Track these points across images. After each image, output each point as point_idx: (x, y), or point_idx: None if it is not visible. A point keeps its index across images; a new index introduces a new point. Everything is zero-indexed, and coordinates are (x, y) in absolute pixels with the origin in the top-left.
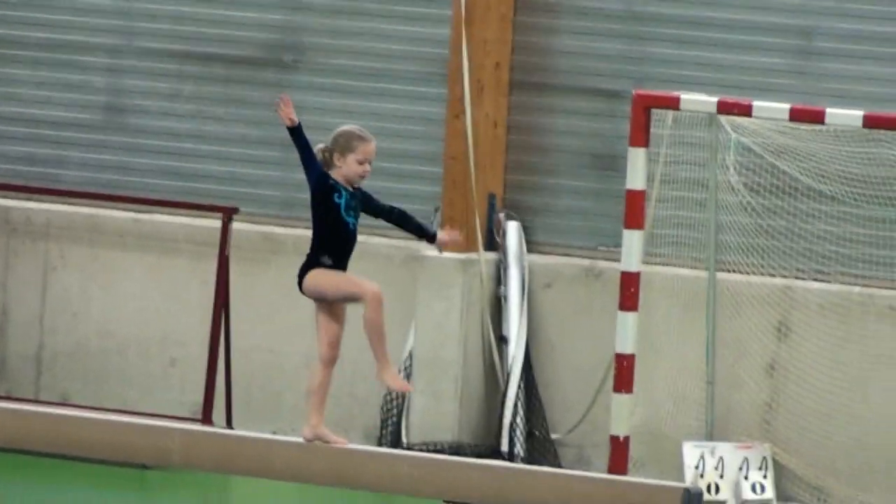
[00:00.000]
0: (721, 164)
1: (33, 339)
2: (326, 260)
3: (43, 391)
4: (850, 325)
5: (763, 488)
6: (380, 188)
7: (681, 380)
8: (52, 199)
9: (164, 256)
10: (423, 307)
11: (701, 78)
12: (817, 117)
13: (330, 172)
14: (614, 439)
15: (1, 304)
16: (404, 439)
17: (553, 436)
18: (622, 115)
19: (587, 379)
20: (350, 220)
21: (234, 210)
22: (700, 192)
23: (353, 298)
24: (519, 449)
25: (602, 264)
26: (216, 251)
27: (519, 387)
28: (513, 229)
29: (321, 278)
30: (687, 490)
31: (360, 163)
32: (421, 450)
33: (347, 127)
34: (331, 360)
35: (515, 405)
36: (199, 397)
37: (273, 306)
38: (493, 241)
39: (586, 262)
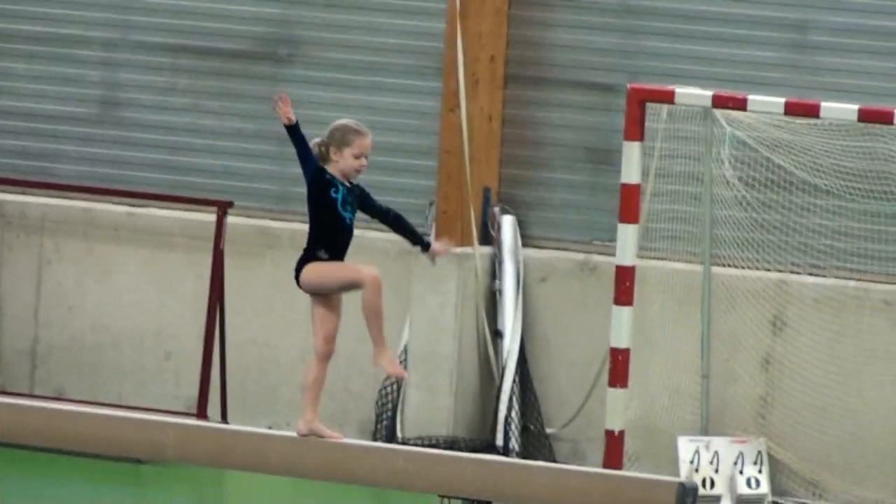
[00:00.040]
0: (716, 158)
1: (28, 332)
2: (323, 254)
3: (38, 385)
4: (845, 320)
5: (758, 483)
6: (375, 182)
7: (676, 374)
8: (47, 193)
9: (158, 250)
10: (418, 301)
11: (696, 72)
12: (812, 111)
13: (326, 167)
14: (609, 433)
15: None
16: (399, 434)
17: (548, 430)
18: (617, 108)
19: (582, 373)
20: (347, 214)
21: (229, 204)
22: (695, 187)
23: (354, 285)
24: (514, 443)
25: (597, 258)
26: (211, 245)
27: (514, 381)
28: (507, 223)
29: (319, 270)
30: (682, 484)
31: (357, 157)
32: (416, 444)
33: (343, 121)
34: (326, 355)
35: (510, 399)
36: (194, 391)
37: (268, 300)
38: (488, 236)
39: (581, 256)
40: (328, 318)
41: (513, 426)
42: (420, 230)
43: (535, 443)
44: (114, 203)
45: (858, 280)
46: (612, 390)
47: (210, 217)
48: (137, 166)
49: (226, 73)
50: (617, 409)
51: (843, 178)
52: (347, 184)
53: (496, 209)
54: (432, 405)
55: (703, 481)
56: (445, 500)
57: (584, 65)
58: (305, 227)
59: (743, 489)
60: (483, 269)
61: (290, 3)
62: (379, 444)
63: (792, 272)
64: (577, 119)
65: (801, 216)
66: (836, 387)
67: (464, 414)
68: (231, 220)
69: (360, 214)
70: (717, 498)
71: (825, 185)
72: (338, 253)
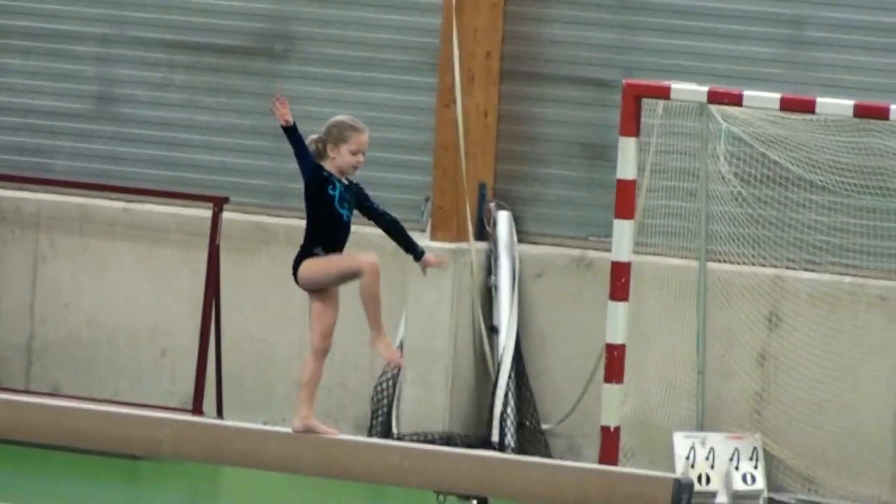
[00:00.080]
0: (711, 154)
1: (23, 329)
2: (320, 251)
3: (33, 381)
4: (840, 315)
5: (754, 479)
6: (370, 178)
7: (671, 370)
8: (43, 189)
9: (154, 246)
10: (414, 297)
11: (691, 67)
12: (808, 107)
13: (323, 163)
14: (605, 429)
15: None
16: (395, 430)
17: (544, 426)
18: (613, 104)
19: (578, 369)
20: (344, 212)
21: (225, 200)
22: (690, 182)
23: (353, 274)
24: (509, 439)
25: (593, 254)
26: (207, 241)
27: (509, 377)
28: (503, 219)
29: (317, 265)
30: (678, 480)
31: (354, 153)
32: (411, 440)
33: (340, 117)
34: (323, 352)
35: (506, 395)
36: (190, 387)
37: (264, 296)
38: (484, 231)
39: (577, 251)
40: (326, 315)
41: (508, 422)
42: (416, 226)
43: (531, 438)
44: (110, 199)
45: (854, 276)
46: (607, 386)
47: (206, 213)
48: (133, 162)
49: (222, 69)
50: (612, 404)
51: (839, 174)
52: (345, 181)
53: (492, 205)
54: (428, 401)
55: (699, 477)
56: (441, 496)
57: (580, 60)
58: (301, 223)
59: (738, 485)
60: (479, 265)
61: None
62: (375, 440)
63: (787, 268)
64: (572, 115)
65: (797, 212)
66: (832, 382)
67: (459, 410)
68: (227, 215)
69: (356, 212)
70: (713, 494)
71: (821, 180)
72: (335, 250)
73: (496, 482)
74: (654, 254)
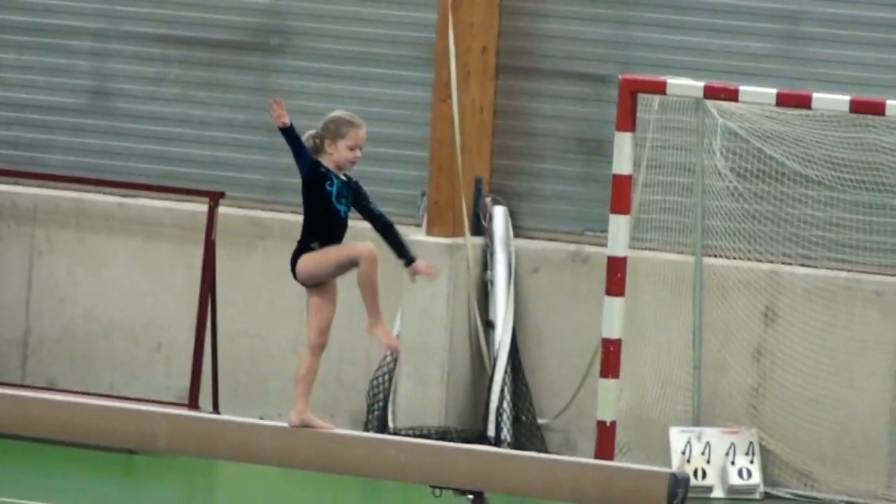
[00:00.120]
0: (708, 149)
1: (19, 323)
2: (317, 247)
3: (29, 376)
4: (836, 310)
5: (750, 473)
6: (366, 173)
7: (667, 365)
8: (38, 184)
9: (149, 241)
10: (410, 292)
11: (688, 62)
12: (804, 102)
13: (320, 159)
14: (601, 424)
15: None
16: (391, 424)
17: (540, 421)
18: (609, 99)
19: (574, 364)
20: (341, 207)
21: (220, 194)
22: (687, 177)
23: (351, 264)
24: (505, 434)
25: (589, 249)
26: (202, 235)
27: (506, 372)
28: (499, 214)
29: (315, 257)
30: (674, 475)
31: (351, 148)
32: (407, 435)
33: (338, 113)
34: (320, 347)
35: (502, 390)
36: (186, 382)
37: (259, 291)
38: (480, 226)
39: (573, 246)
40: (323, 310)
41: (504, 417)
42: (412, 221)
43: (527, 433)
44: (105, 193)
45: (850, 271)
46: (603, 381)
47: (201, 207)
48: (128, 156)
49: (216, 64)
50: (608, 399)
51: (835, 169)
52: (343, 177)
53: (488, 200)
54: (424, 396)
55: (695, 472)
56: (437, 491)
57: (576, 55)
58: (297, 218)
59: (734, 480)
60: (475, 260)
61: None
62: (371, 434)
63: (784, 263)
64: (568, 110)
65: (793, 207)
66: (828, 377)
67: (455, 404)
68: (222, 210)
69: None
70: (709, 488)
71: (817, 175)
72: (332, 245)
73: (492, 477)
74: (650, 249)
